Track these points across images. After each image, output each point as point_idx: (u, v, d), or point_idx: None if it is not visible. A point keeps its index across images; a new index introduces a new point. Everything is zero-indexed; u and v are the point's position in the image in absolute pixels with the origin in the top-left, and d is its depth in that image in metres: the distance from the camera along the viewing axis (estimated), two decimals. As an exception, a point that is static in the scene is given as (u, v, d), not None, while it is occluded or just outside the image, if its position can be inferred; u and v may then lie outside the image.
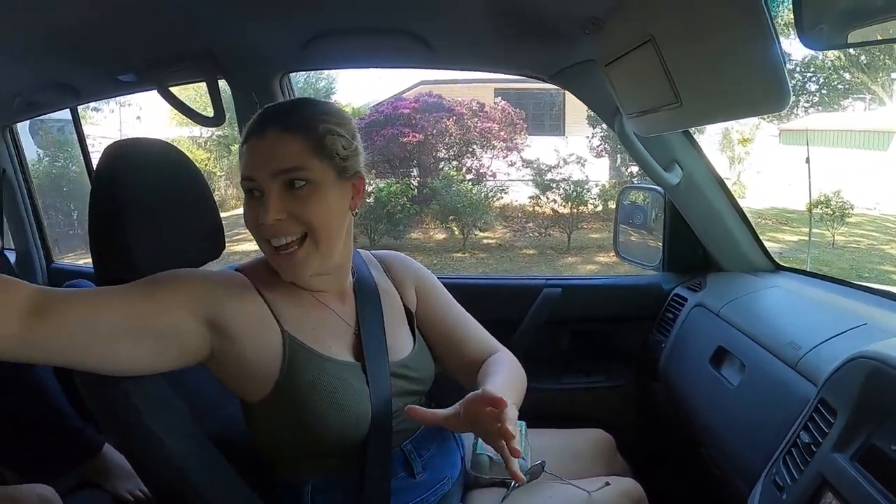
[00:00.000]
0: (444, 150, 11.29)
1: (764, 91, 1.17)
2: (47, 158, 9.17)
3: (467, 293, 1.59)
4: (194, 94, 7.12)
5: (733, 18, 1.13)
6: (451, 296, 1.55)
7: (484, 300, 1.69)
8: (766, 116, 11.39)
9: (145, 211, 1.25)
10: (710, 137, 12.08)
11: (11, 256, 3.16)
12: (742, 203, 2.09)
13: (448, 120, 10.93)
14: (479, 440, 1.45)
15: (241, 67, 2.09)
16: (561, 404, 2.15)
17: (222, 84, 2.11)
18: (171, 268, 1.31)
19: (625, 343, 2.28)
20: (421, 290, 1.51)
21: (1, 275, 1.09)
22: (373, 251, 1.56)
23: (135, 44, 1.97)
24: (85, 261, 4.45)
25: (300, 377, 1.21)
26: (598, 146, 11.49)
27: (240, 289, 1.23)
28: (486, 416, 1.07)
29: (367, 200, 10.27)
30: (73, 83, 2.44)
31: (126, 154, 1.32)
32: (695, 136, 1.97)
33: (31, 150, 3.50)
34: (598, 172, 11.43)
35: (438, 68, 2.00)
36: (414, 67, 2.05)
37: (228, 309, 1.17)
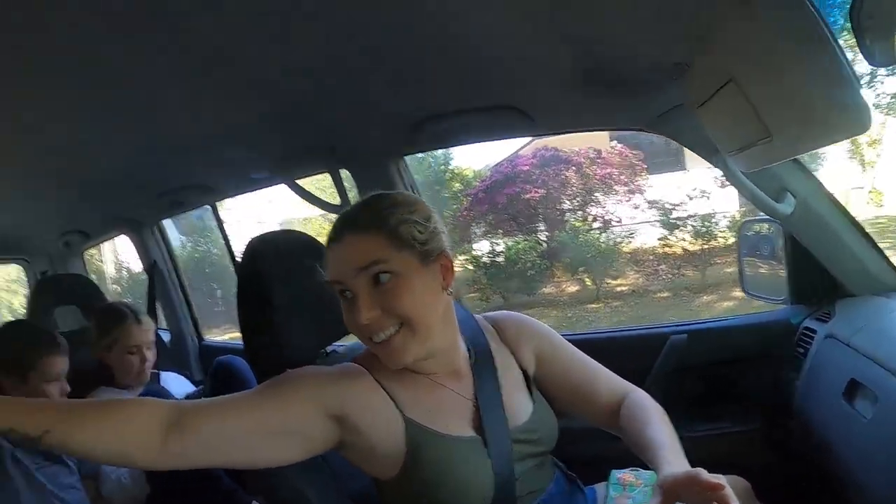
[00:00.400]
0: (567, 202, 11.21)
1: (845, 117, 1.17)
2: (190, 244, 9.95)
3: (592, 349, 1.59)
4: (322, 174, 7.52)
5: (801, 52, 1.14)
6: (573, 347, 1.55)
7: (610, 354, 1.68)
8: (890, 112, 10.59)
9: (286, 296, 1.43)
10: (835, 146, 11.33)
11: (166, 336, 3.49)
12: (881, 212, 1.99)
13: (567, 171, 10.90)
14: (611, 493, 1.46)
15: (359, 157, 2.27)
16: (695, 452, 2.05)
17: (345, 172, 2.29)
18: (313, 344, 1.50)
19: (756, 384, 2.20)
20: (540, 351, 1.51)
21: (143, 398, 1.28)
22: (487, 314, 1.59)
23: (267, 146, 2.21)
24: (230, 335, 4.78)
25: (423, 459, 1.27)
26: (721, 176, 11.04)
27: (359, 381, 1.30)
28: (695, 494, 1.10)
29: (497, 260, 10.43)
30: (211, 184, 2.75)
31: (265, 247, 1.53)
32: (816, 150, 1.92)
33: (174, 236, 3.87)
34: (726, 203, 11.01)
35: (539, 135, 2.06)
36: (516, 137, 2.12)
37: (350, 402, 1.26)
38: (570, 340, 1.57)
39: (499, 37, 1.54)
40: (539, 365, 1.51)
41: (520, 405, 1.41)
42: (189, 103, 1.85)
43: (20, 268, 4.56)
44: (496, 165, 12.11)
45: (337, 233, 1.29)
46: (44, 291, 3.56)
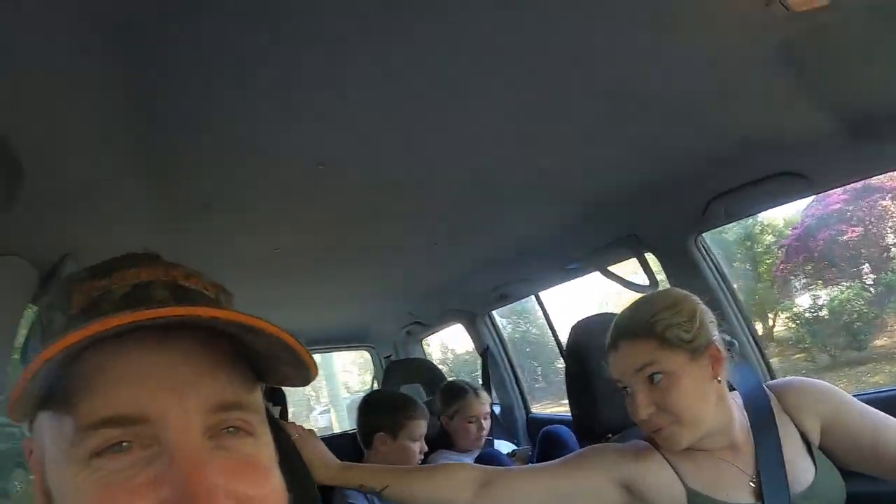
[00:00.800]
0: (891, 235, 10.06)
1: None
2: (510, 325, 10.50)
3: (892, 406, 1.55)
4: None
5: None
6: (861, 405, 1.51)
7: None
8: None
9: (607, 376, 1.61)
10: None
11: (497, 409, 3.91)
12: None
13: (883, 200, 9.77)
14: None
15: (660, 240, 2.44)
16: None
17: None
18: (627, 417, 1.70)
19: None
20: (824, 416, 1.51)
21: (462, 463, 1.72)
22: (770, 382, 1.63)
23: (579, 241, 2.60)
24: (551, 410, 5.12)
25: None
26: None
27: (646, 455, 1.49)
28: None
29: (821, 314, 9.44)
30: (533, 277, 3.16)
31: (588, 330, 1.84)
32: None
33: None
34: None
35: (814, 194, 2.00)
36: (798, 199, 2.07)
37: (637, 474, 1.46)
38: (867, 398, 1.55)
39: (771, 108, 1.66)
40: (824, 430, 1.51)
41: (801, 471, 1.44)
42: (519, 215, 2.29)
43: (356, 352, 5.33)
44: (805, 209, 11.21)
45: (613, 341, 1.50)
46: (393, 373, 4.19)
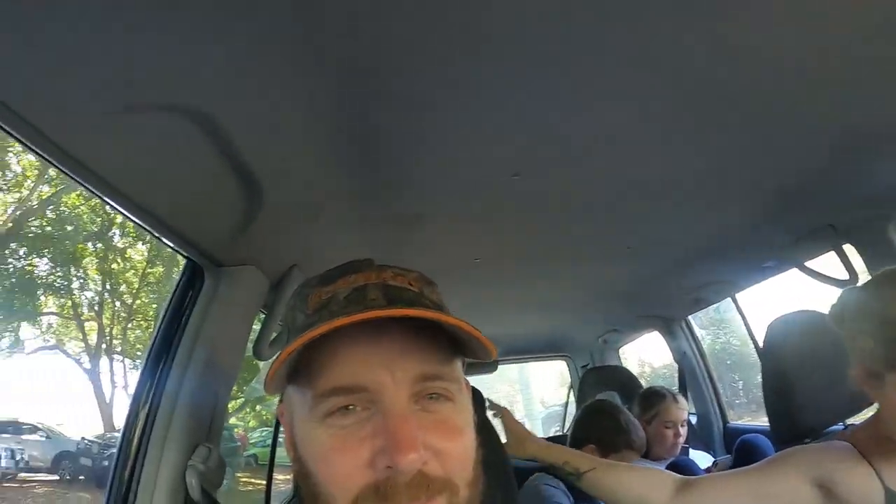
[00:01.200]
0: None
1: None
2: (709, 337, 10.16)
3: None
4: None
5: None
6: None
7: None
8: None
9: (806, 375, 1.63)
10: None
11: (693, 419, 3.87)
12: None
13: None
14: None
15: (859, 230, 2.30)
16: None
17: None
18: (826, 419, 1.68)
19: None
20: None
21: (659, 469, 1.75)
22: None
23: (774, 237, 2.53)
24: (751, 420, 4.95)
25: None
26: None
27: (844, 457, 1.43)
28: None
29: None
30: (729, 279, 3.11)
31: (786, 328, 1.78)
32: None
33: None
34: None
35: None
36: None
37: (835, 472, 1.41)
38: None
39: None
40: None
41: None
42: (708, 214, 2.30)
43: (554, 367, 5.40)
44: None
45: None
46: (589, 379, 4.32)
